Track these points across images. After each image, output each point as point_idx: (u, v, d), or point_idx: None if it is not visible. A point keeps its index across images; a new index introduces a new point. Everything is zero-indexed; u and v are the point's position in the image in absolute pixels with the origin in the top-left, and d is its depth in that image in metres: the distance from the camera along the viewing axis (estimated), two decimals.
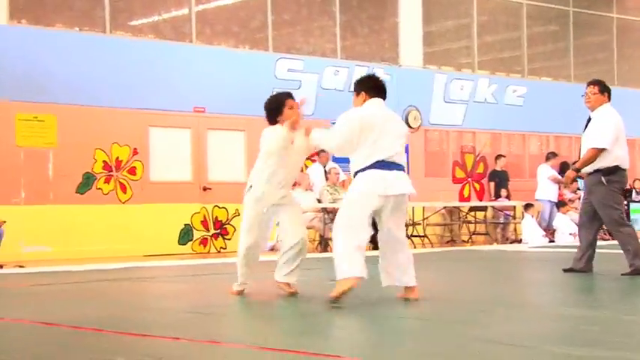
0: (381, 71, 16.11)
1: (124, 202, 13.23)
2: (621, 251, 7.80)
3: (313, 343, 4.33)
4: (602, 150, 7.71)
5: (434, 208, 15.95)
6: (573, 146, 18.69)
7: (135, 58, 13.44)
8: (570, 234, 15.38)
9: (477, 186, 17.40)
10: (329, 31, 16.07)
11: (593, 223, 7.98)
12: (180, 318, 5.70)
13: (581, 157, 7.88)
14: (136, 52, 13.51)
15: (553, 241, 14.92)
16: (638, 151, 19.66)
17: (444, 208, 16.21)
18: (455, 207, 16.38)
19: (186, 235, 13.69)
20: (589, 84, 8.05)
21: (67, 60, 12.87)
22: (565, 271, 7.95)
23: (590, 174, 7.88)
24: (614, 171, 7.79)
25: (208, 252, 13.89)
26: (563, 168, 17.76)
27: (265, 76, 14.71)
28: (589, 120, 8.02)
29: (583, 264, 7.94)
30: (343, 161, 15.43)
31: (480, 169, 17.41)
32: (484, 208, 16.61)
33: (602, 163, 7.74)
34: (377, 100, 6.14)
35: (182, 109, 13.81)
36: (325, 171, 14.64)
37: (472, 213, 16.66)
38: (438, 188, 16.59)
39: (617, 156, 7.79)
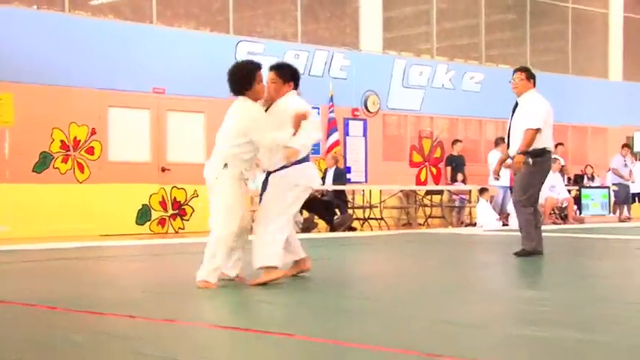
0: (341, 56, 16.14)
1: (81, 182, 13.10)
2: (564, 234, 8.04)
3: (261, 321, 4.36)
4: (537, 130, 7.95)
5: (391, 191, 16.06)
6: None
7: (94, 38, 13.27)
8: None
9: (434, 170, 17.53)
10: (290, 14, 16.03)
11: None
12: (136, 297, 5.69)
13: (519, 141, 8.04)
14: (95, 31, 13.34)
15: (507, 225, 15.11)
16: (590, 138, 19.97)
17: (401, 191, 16.32)
18: (412, 190, 16.50)
19: (144, 216, 13.61)
20: (516, 70, 8.35)
21: (25, 38, 12.67)
22: (517, 255, 8.08)
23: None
24: (542, 153, 8.08)
25: (166, 232, 13.84)
26: None
27: (226, 59, 14.55)
28: (516, 105, 8.28)
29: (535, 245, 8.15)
30: None
31: (437, 154, 17.54)
32: (440, 192, 16.76)
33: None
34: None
35: (142, 89, 13.69)
36: None
37: (428, 196, 16.80)
38: (395, 172, 16.69)
39: (545, 138, 8.06)
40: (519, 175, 8.12)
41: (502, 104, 19.10)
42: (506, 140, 8.45)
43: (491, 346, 3.68)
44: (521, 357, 3.43)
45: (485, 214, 15.33)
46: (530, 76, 8.29)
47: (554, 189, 16.18)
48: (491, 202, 15.68)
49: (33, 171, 12.68)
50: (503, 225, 15.13)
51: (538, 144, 8.02)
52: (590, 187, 18.00)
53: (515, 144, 8.13)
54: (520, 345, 3.68)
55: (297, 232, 13.10)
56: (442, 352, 3.42)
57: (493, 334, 3.97)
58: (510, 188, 15.92)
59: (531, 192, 8.08)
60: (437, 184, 17.25)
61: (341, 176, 14.71)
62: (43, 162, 12.78)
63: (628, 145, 18.57)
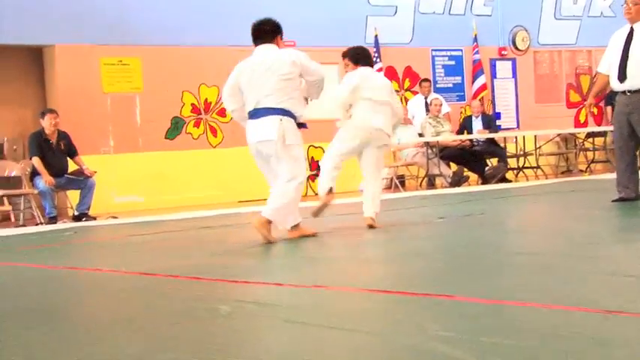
0: None
1: (215, 147, 13.46)
2: None
3: (414, 282, 4.36)
4: None
5: (547, 136, 15.65)
6: None
7: None
8: None
9: (595, 110, 16.94)
10: None
11: (631, 146, 8.04)
12: (280, 264, 5.82)
13: None
14: None
15: None
16: None
17: (559, 135, 15.87)
18: (570, 134, 16.02)
19: None
20: None
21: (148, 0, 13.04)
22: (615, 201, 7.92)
23: (638, 91, 7.79)
24: None
25: (305, 195, 13.99)
26: None
27: (358, 3, 14.60)
28: (631, 32, 7.91)
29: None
30: (446, 91, 15.28)
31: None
32: (603, 134, 16.19)
33: None
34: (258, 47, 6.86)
35: None
36: (427, 102, 14.53)
37: (590, 139, 16.27)
38: (550, 114, 16.26)
39: None
40: None
41: None
42: (612, 70, 8.04)
43: None
44: None
45: None
46: None
47: None
48: None
49: (165, 138, 13.11)
50: None
51: None
52: None
53: (636, 78, 7.79)
54: None
55: (446, 187, 13.11)
56: (625, 308, 3.32)
57: None
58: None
59: None
60: (599, 125, 16.68)
61: (490, 123, 14.46)
62: (175, 127, 13.20)
63: None
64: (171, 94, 13.10)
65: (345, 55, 7.68)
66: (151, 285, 4.97)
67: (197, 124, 13.36)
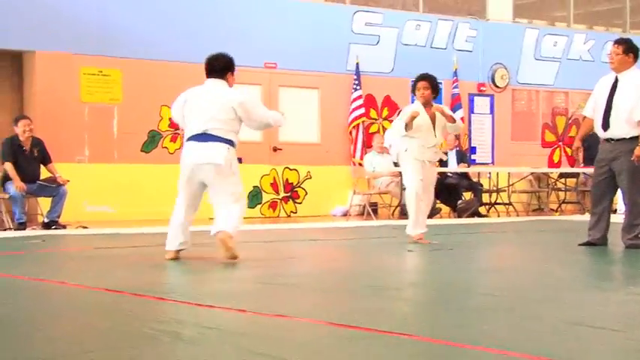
0: (466, 26, 15.90)
1: None
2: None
3: (376, 319, 4.35)
4: None
5: (520, 173, 15.76)
6: None
7: (204, 12, 13.53)
8: None
9: (569, 151, 17.09)
10: None
11: (610, 192, 8.19)
12: (246, 288, 5.79)
13: (624, 124, 7.84)
14: (205, 5, 13.59)
15: None
16: None
17: (532, 173, 15.98)
18: (544, 173, 16.13)
19: (255, 198, 13.82)
20: (614, 42, 8.09)
21: (133, 12, 13.03)
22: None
23: (623, 139, 7.87)
24: None
25: (277, 216, 14.02)
26: None
27: (342, 31, 14.66)
28: (616, 81, 7.98)
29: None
30: None
31: (573, 133, 17.06)
32: (576, 175, 16.33)
33: None
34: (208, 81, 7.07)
35: (253, 64, 13.86)
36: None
37: (562, 180, 16.40)
38: (525, 152, 16.38)
39: None
40: (636, 168, 7.81)
41: None
42: (596, 117, 8.14)
43: (628, 352, 3.56)
44: None
45: None
46: (629, 50, 7.96)
47: None
48: None
49: (141, 150, 13.06)
50: None
51: None
52: None
53: (619, 127, 7.88)
54: None
55: None
56: (573, 358, 3.33)
57: (630, 339, 3.83)
58: None
59: None
60: (572, 166, 16.81)
61: (464, 158, 14.54)
62: (152, 141, 13.16)
63: None
64: (149, 107, 13.06)
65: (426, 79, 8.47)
66: (114, 303, 4.92)
67: (174, 139, 13.32)
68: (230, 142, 6.89)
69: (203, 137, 6.83)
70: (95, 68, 12.74)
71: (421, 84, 8.35)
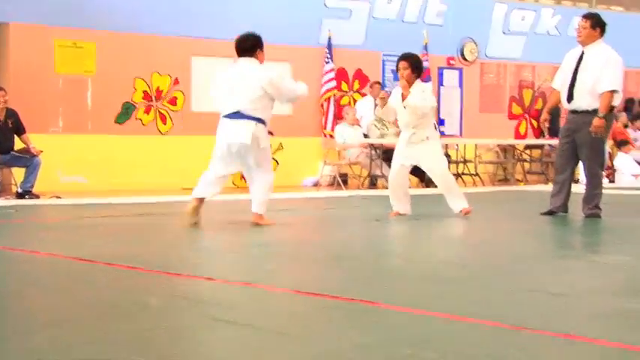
0: (437, 1, 15.84)
1: (163, 134, 13.35)
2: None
3: (340, 286, 4.38)
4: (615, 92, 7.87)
5: (487, 145, 15.83)
6: None
7: None
8: (632, 175, 15.20)
9: (535, 123, 17.17)
10: None
11: (573, 162, 8.26)
12: (216, 257, 5.80)
13: (587, 96, 7.92)
14: None
15: (613, 182, 14.73)
16: None
17: (498, 145, 16.06)
18: (510, 144, 16.21)
19: None
20: (582, 17, 8.18)
21: None
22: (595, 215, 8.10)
23: (586, 112, 7.93)
24: (610, 111, 8.01)
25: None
26: (627, 105, 17.46)
27: (314, 5, 14.57)
28: (582, 55, 8.05)
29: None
30: None
31: (539, 105, 17.12)
32: (540, 146, 16.43)
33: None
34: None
35: (226, 37, 13.72)
36: (375, 105, 14.56)
37: (528, 151, 16.49)
38: (492, 124, 16.43)
39: (618, 97, 7.95)
40: (594, 139, 7.90)
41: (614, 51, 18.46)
42: (562, 90, 8.20)
43: (585, 318, 3.61)
44: (613, 330, 3.35)
45: None
46: (597, 24, 8.04)
47: None
48: None
49: (115, 122, 12.97)
50: (610, 182, 14.73)
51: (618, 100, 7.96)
52: None
53: (582, 99, 7.95)
54: (614, 317, 3.60)
55: (387, 188, 13.14)
56: (529, 324, 3.37)
57: (585, 306, 3.88)
58: (618, 142, 15.53)
59: (605, 154, 8.24)
60: (537, 138, 16.92)
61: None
62: (126, 112, 13.05)
63: None
64: (123, 79, 12.95)
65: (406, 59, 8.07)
66: (84, 272, 4.91)
67: (147, 111, 13.23)
68: (259, 120, 7.20)
69: (235, 115, 7.20)
70: (69, 40, 12.59)
71: (401, 64, 8.02)
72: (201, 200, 7.37)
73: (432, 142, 8.08)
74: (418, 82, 8.08)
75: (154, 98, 13.26)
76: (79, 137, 12.59)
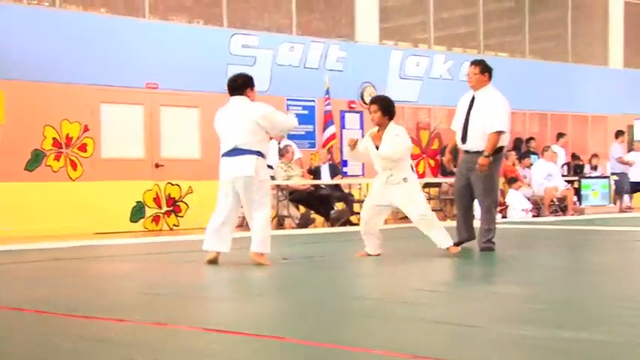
0: (337, 47, 16.15)
1: (74, 180, 13.13)
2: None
3: (252, 323, 4.40)
4: (502, 132, 8.18)
5: None
6: (527, 122, 18.95)
7: (86, 33, 13.28)
8: (522, 210, 15.65)
9: (432, 162, 17.57)
10: (284, 6, 16.02)
11: (469, 197, 8.54)
12: (128, 299, 5.73)
13: (478, 138, 8.22)
14: (86, 26, 13.36)
15: (505, 217, 15.14)
16: (591, 126, 19.98)
17: None
18: None
19: (138, 213, 13.64)
20: (471, 63, 8.50)
21: (15, 34, 12.68)
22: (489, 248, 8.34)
23: (478, 152, 8.23)
24: (499, 151, 8.35)
25: (160, 230, 13.88)
26: (516, 144, 18.04)
27: (220, 52, 14.65)
28: (473, 99, 8.39)
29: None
30: (299, 138, 15.49)
31: (435, 146, 17.58)
32: (438, 185, 16.79)
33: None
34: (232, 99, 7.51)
35: (134, 85, 13.70)
36: (279, 148, 14.66)
37: (427, 189, 16.82)
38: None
39: (505, 138, 8.31)
40: (484, 177, 8.19)
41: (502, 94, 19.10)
42: (457, 131, 8.52)
43: (483, 346, 3.71)
44: (510, 357, 3.46)
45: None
46: (485, 70, 8.38)
47: (550, 178, 16.22)
48: None
49: (25, 169, 12.70)
50: (502, 217, 15.15)
51: (498, 144, 8.23)
52: (590, 177, 18.02)
53: (474, 140, 8.26)
54: (510, 345, 3.71)
55: (294, 228, 13.25)
56: (431, 353, 3.45)
57: (484, 335, 3.99)
58: (508, 180, 16.02)
59: (497, 191, 8.52)
60: (435, 176, 17.28)
61: (336, 171, 14.75)
62: (35, 159, 12.81)
63: (622, 132, 18.42)
64: (32, 127, 12.72)
65: (375, 102, 7.93)
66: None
67: (57, 158, 13.01)
68: (258, 153, 7.30)
69: (234, 152, 7.31)
70: None
71: (371, 107, 7.84)
72: (218, 253, 7.44)
73: (409, 184, 7.86)
74: (391, 125, 7.83)
75: (63, 145, 13.04)
76: None
